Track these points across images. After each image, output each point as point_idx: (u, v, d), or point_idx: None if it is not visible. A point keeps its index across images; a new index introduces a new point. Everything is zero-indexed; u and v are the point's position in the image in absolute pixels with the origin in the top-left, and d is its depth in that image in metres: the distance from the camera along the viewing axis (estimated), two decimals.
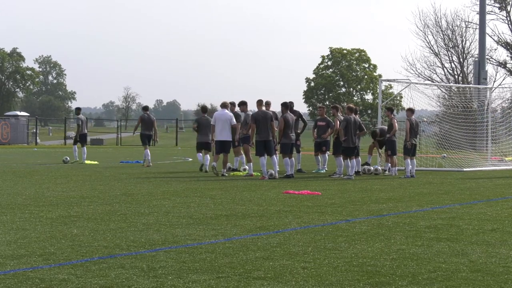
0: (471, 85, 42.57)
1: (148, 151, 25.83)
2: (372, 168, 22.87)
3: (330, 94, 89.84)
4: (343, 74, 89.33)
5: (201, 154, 23.08)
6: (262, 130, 19.95)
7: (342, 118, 21.22)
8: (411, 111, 22.19)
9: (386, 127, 22.95)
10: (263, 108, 20.63)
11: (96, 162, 28.39)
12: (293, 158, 20.69)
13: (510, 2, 65.29)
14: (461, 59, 65.87)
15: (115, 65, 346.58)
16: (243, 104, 22.05)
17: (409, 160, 21.73)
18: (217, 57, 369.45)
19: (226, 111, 21.38)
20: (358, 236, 9.22)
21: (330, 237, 9.06)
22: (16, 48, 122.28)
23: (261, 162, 19.86)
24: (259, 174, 20.51)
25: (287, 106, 20.72)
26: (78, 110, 28.52)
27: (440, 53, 66.17)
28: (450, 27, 65.78)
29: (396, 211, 12.26)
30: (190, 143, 77.42)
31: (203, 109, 23.57)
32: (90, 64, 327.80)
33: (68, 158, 28.32)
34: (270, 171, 19.77)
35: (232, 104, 22.34)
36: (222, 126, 21.05)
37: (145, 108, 26.65)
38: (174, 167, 26.00)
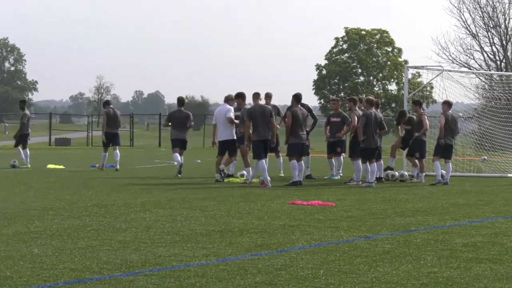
0: None
1: (106, 154, 26.37)
2: (396, 173, 22.86)
3: (346, 84, 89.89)
4: (361, 59, 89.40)
5: (177, 154, 23.68)
6: (260, 127, 20.00)
7: (360, 113, 21.22)
8: (448, 104, 22.18)
9: (415, 117, 22.84)
10: (260, 101, 20.68)
11: (62, 167, 28.37)
12: (301, 162, 20.69)
13: None
14: (504, 42, 65.88)
15: (85, 50, 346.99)
16: (239, 97, 21.84)
17: (438, 163, 21.70)
18: (208, 40, 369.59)
19: (227, 105, 21.39)
20: (380, 256, 9.20)
21: (346, 258, 9.04)
22: None
23: (261, 166, 19.87)
24: (258, 181, 20.54)
25: (298, 99, 20.74)
26: (22, 103, 28.27)
27: (479, 34, 66.26)
28: (491, 3, 65.85)
29: (426, 225, 12.25)
30: None
31: (179, 101, 24.16)
32: (55, 49, 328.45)
33: (17, 161, 28.01)
34: (241, 172, 20.73)
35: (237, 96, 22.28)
36: (222, 124, 21.14)
37: (108, 102, 27.37)
38: (156, 173, 25.99)
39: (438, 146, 21.79)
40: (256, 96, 20.68)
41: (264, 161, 20.02)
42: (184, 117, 23.63)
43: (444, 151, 21.82)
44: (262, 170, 19.82)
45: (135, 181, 21.32)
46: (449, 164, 21.99)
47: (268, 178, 19.80)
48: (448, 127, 21.74)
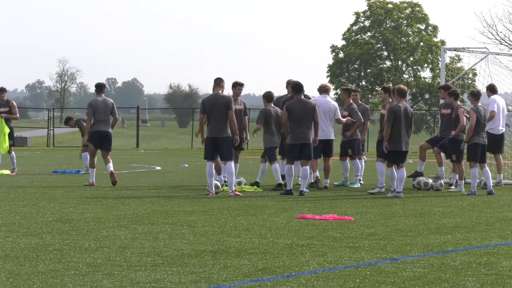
0: None
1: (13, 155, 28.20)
2: (429, 180, 22.86)
3: (368, 70, 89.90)
4: (387, 40, 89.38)
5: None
6: (213, 122, 20.11)
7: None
8: (475, 96, 22.04)
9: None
10: (221, 90, 20.32)
11: (8, 172, 28.30)
12: (307, 167, 20.69)
13: None
14: None
15: (44, 30, 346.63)
16: (235, 86, 22.23)
17: (476, 169, 21.64)
18: (199, 16, 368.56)
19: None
20: (409, 282, 9.24)
21: (368, 285, 9.08)
22: None
23: (207, 170, 20.13)
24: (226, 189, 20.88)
25: (296, 89, 20.84)
26: None
27: None
28: None
29: (466, 245, 12.28)
30: (158, 144, 77.37)
31: (98, 87, 24.66)
32: (9, 28, 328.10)
33: None
34: (238, 180, 21.16)
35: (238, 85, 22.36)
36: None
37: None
38: (134, 180, 26.00)
39: (471, 148, 21.67)
40: (216, 82, 20.42)
41: (212, 164, 20.08)
42: (107, 106, 24.97)
43: (478, 154, 21.66)
44: (207, 174, 20.16)
45: (107, 191, 21.32)
46: (486, 169, 21.94)
47: (214, 185, 20.09)
48: (480, 124, 21.63)
